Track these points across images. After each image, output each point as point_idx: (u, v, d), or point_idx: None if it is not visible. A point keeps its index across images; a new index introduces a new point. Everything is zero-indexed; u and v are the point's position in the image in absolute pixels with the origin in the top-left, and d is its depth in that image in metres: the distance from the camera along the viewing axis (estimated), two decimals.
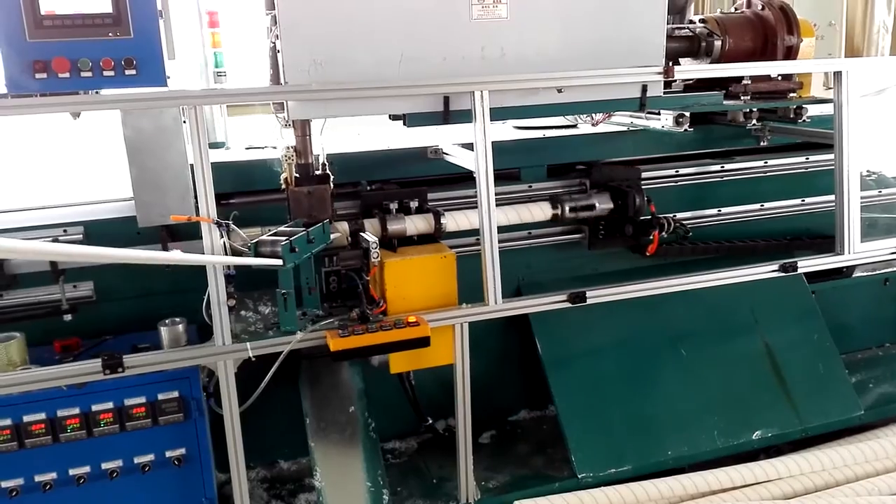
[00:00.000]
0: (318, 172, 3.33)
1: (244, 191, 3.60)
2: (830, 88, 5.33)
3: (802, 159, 4.53)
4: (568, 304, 3.38)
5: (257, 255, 2.84)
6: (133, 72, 2.72)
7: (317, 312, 3.21)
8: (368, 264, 3.14)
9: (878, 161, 4.99)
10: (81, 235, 3.35)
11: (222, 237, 2.91)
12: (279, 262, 2.80)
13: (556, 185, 4.01)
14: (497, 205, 3.21)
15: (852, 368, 4.47)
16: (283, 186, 3.27)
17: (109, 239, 3.30)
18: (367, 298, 3.18)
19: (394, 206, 3.56)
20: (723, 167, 4.30)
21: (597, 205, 3.86)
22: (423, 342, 3.07)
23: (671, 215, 4.00)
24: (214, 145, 4.06)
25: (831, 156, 4.34)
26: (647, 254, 3.89)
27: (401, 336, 3.04)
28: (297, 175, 3.28)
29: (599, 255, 4.15)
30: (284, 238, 2.84)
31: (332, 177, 3.32)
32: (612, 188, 3.88)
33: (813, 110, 4.26)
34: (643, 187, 3.91)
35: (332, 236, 3.27)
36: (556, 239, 4.06)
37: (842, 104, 3.69)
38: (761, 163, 4.43)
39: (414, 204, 3.59)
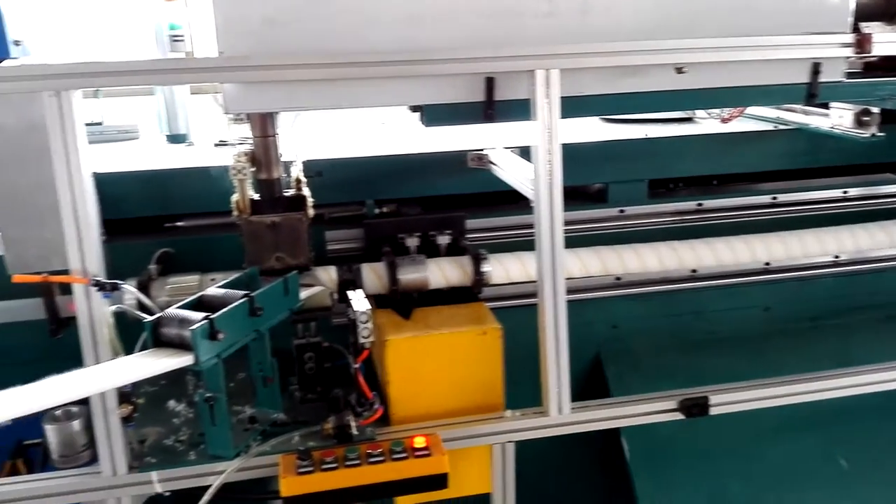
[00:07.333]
0: (289, 192, 2.17)
1: (196, 212, 2.47)
2: None
3: None
4: (679, 416, 2.11)
5: (156, 342, 1.71)
6: None
7: (273, 417, 2.05)
8: (356, 346, 1.95)
9: None
10: None
11: (115, 304, 1.80)
12: (187, 359, 1.65)
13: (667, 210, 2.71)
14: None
15: None
16: (236, 214, 2.12)
17: None
18: (357, 398, 2.00)
19: (412, 241, 2.36)
20: None
21: None
22: (436, 482, 1.89)
23: None
24: (174, 139, 2.95)
25: None
26: None
27: (397, 474, 1.86)
28: (256, 197, 2.12)
29: (716, 313, 2.84)
30: (200, 316, 1.69)
31: (309, 199, 2.15)
32: None
33: None
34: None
35: (306, 293, 2.10)
36: (655, 289, 2.75)
37: None
38: None
39: (444, 239, 2.39)
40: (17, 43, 1.70)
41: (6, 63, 1.70)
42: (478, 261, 2.31)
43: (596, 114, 2.65)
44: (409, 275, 2.27)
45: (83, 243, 1.74)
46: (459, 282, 2.32)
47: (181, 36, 2.71)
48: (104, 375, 1.61)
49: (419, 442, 1.90)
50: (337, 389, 2.00)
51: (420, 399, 2.09)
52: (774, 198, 2.79)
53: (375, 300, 2.28)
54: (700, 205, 2.75)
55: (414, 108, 2.11)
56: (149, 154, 2.85)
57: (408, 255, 2.33)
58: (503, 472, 2.11)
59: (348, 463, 1.84)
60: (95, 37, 3.59)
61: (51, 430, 2.08)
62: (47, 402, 1.52)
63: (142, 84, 1.70)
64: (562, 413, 2.05)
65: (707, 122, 2.97)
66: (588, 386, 2.75)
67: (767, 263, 2.75)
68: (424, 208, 2.54)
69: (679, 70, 1.97)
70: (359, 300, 1.97)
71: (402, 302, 2.26)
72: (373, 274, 2.28)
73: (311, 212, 2.17)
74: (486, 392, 2.12)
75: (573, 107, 1.96)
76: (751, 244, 2.39)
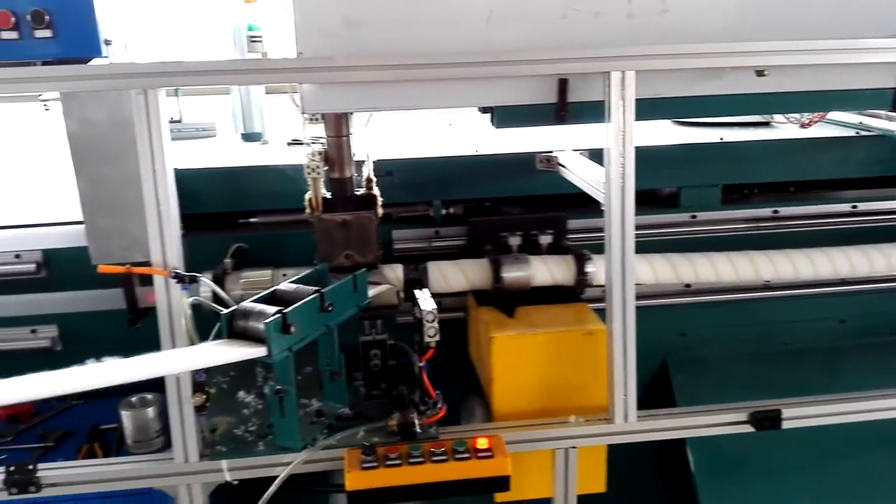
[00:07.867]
0: (359, 191, 2.20)
1: (269, 209, 2.53)
2: None
3: None
4: (749, 429, 2.06)
5: (231, 334, 1.75)
6: (47, 33, 1.69)
7: (340, 411, 2.09)
8: (422, 345, 1.97)
9: None
10: (35, 265, 2.41)
11: (191, 296, 1.86)
12: (261, 351, 1.69)
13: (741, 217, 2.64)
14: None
15: None
16: (308, 212, 2.16)
17: (67, 273, 2.38)
18: (421, 396, 2.02)
19: (514, 240, 2.39)
20: None
21: None
22: (498, 484, 1.88)
23: None
24: (249, 137, 3.02)
25: None
26: None
27: (460, 473, 1.86)
28: (328, 195, 2.16)
29: (789, 323, 2.75)
30: (274, 310, 1.73)
31: (379, 198, 2.18)
32: None
33: None
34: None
35: (374, 290, 2.13)
36: (726, 297, 2.68)
37: None
38: None
39: (546, 239, 2.41)
40: (107, 42, 1.78)
41: (96, 61, 1.78)
42: (581, 261, 2.30)
43: (671, 116, 2.60)
44: (512, 273, 2.28)
45: (165, 237, 1.80)
46: (563, 281, 2.31)
47: (259, 37, 2.78)
48: (184, 358, 1.69)
49: (482, 443, 1.90)
50: (401, 387, 2.03)
51: (523, 397, 2.12)
52: (855, 206, 2.68)
53: (476, 297, 2.32)
54: (776, 212, 2.67)
55: (484, 110, 2.11)
56: (225, 151, 2.93)
57: (511, 254, 2.35)
58: (566, 477, 2.09)
59: (412, 460, 1.86)
60: (171, 36, 3.69)
61: (126, 416, 2.18)
62: (132, 376, 1.59)
63: (225, 84, 1.77)
64: (627, 421, 2.02)
65: (785, 127, 2.88)
66: (651, 393, 2.70)
67: None
68: (492, 210, 2.55)
69: (760, 73, 1.91)
70: (425, 299, 1.98)
71: (504, 300, 2.26)
72: (439, 273, 2.29)
73: (380, 211, 2.20)
74: (590, 393, 2.11)
75: (648, 109, 1.92)
76: (832, 257, 2.27)
